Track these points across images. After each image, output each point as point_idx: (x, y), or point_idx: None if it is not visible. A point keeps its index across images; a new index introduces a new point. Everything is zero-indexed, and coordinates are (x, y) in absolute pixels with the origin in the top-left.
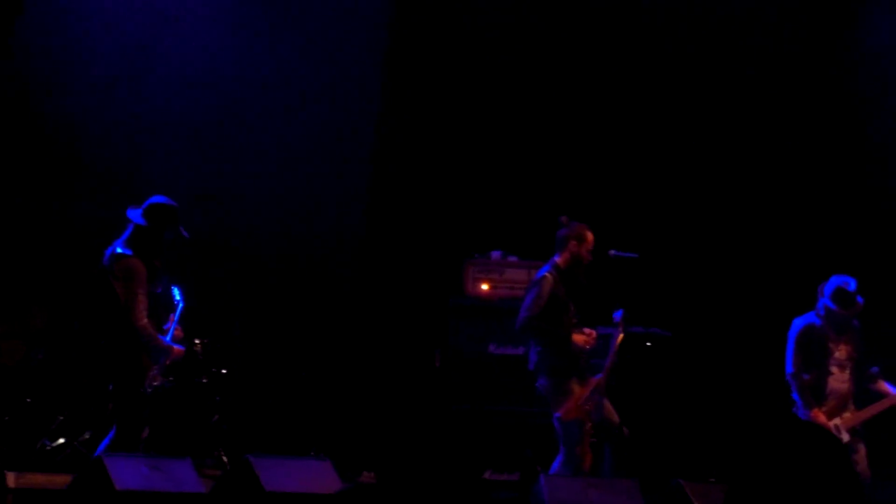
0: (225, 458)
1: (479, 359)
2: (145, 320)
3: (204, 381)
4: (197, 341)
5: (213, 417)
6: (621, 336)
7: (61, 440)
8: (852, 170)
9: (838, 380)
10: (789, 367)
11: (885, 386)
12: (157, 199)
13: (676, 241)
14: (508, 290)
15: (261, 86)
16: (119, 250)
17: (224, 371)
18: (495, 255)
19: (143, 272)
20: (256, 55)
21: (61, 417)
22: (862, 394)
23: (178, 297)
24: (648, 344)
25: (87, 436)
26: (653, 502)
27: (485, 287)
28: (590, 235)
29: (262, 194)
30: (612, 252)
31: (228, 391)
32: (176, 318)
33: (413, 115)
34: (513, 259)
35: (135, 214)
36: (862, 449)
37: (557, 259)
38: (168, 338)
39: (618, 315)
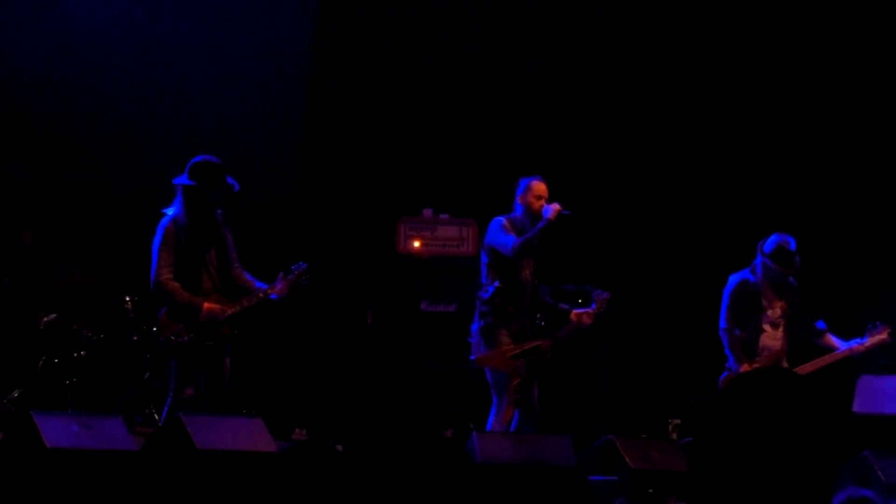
0: (156, 416)
1: (410, 316)
2: (164, 276)
3: (135, 338)
4: (127, 298)
5: (145, 375)
6: (591, 313)
7: None
8: (793, 125)
9: (771, 337)
10: (722, 323)
11: (833, 340)
12: (197, 157)
13: (612, 198)
14: (440, 247)
15: (190, 42)
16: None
17: (155, 328)
18: (427, 212)
19: (166, 230)
20: (187, 8)
21: None
22: (803, 351)
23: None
24: (580, 301)
25: (16, 394)
26: (585, 458)
27: (417, 244)
28: (534, 184)
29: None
30: (545, 210)
31: (159, 348)
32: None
33: (345, 72)
34: (444, 217)
35: (179, 179)
36: None
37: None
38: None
39: (598, 294)
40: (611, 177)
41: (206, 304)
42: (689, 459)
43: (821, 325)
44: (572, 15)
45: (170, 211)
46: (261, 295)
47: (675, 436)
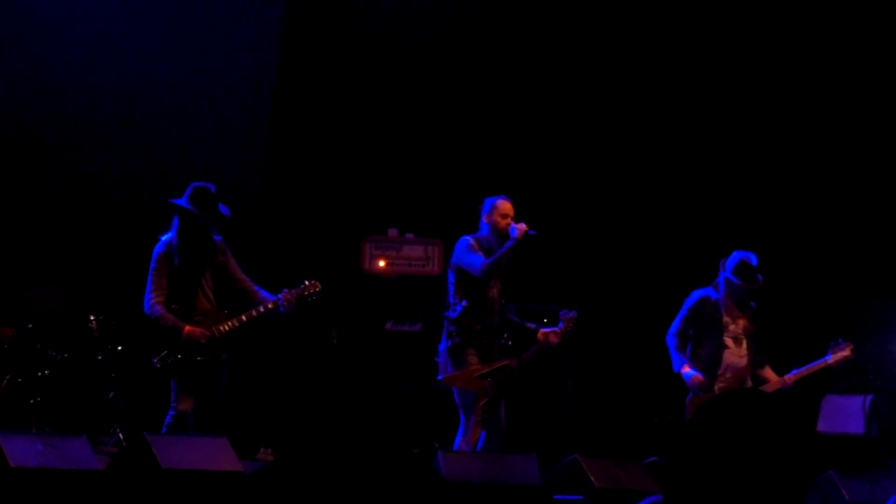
0: (121, 436)
1: (375, 335)
2: (151, 302)
3: (99, 357)
4: (92, 317)
5: (109, 394)
6: (558, 332)
7: None
8: (757, 145)
9: (734, 354)
10: (672, 328)
11: (770, 373)
12: (196, 182)
13: (577, 216)
14: (406, 267)
15: (156, 61)
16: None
17: (119, 347)
18: (392, 232)
19: (158, 255)
20: (155, 18)
21: None
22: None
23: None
24: (546, 320)
25: None
26: (550, 478)
27: (382, 264)
28: (500, 203)
29: (157, 181)
30: (512, 230)
31: (124, 368)
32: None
33: (309, 90)
34: (410, 236)
35: (177, 200)
36: None
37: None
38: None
39: (565, 313)
40: (576, 194)
41: (186, 328)
42: (658, 481)
43: (760, 357)
44: (536, 38)
45: (165, 236)
46: (261, 309)
47: None
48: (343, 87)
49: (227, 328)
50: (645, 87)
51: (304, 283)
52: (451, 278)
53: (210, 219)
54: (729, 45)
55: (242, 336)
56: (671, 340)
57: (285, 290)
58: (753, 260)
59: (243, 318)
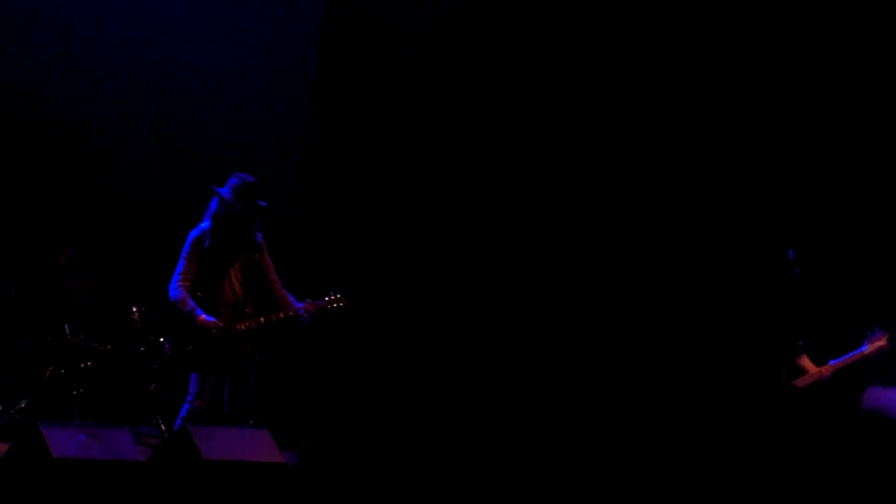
0: (163, 427)
1: None
2: (176, 283)
3: (142, 349)
4: (134, 309)
5: (151, 386)
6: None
7: None
8: (794, 135)
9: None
10: None
11: (807, 362)
12: (240, 173)
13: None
14: None
15: (199, 56)
16: None
17: (161, 339)
18: None
19: (192, 239)
20: (196, 6)
21: None
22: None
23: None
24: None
25: (23, 404)
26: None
27: None
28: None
29: (199, 172)
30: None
31: (166, 359)
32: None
33: (350, 90)
34: None
35: (219, 188)
36: None
37: None
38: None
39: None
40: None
41: (200, 318)
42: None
43: (799, 343)
44: (571, 33)
45: (204, 223)
46: (281, 314)
47: None
48: (386, 85)
49: (243, 327)
50: (679, 85)
51: (329, 297)
52: None
53: (248, 212)
54: (776, 36)
55: (270, 332)
56: None
57: (307, 301)
58: (789, 254)
59: (262, 320)
